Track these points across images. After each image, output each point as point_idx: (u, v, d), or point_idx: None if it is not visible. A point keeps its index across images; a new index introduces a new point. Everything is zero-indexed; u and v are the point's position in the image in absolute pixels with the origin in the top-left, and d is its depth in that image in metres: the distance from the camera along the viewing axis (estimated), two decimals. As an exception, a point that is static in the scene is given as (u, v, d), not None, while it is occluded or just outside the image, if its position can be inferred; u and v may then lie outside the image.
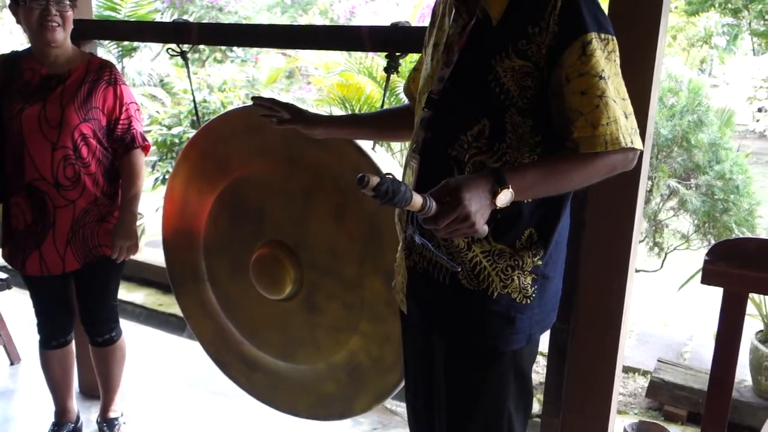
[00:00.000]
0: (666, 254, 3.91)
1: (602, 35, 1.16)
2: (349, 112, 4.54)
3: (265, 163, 2.06)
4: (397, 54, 1.81)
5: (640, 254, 3.82)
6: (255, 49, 9.31)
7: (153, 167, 5.04)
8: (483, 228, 1.11)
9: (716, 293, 1.55)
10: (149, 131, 5.26)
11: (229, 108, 2.99)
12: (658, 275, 4.04)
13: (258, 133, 2.02)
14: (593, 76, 1.14)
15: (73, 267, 2.23)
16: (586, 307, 1.68)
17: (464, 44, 1.28)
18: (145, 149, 2.31)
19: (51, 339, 2.40)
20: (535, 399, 2.93)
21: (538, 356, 1.49)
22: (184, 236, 2.34)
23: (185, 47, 2.18)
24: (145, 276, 4.92)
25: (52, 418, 2.55)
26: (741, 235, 3.46)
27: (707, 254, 1.54)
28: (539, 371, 3.30)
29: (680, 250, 3.93)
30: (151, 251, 5.13)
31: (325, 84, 5.37)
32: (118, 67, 5.42)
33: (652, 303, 4.70)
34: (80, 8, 2.25)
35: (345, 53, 4.49)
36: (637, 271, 3.67)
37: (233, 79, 6.19)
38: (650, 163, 3.44)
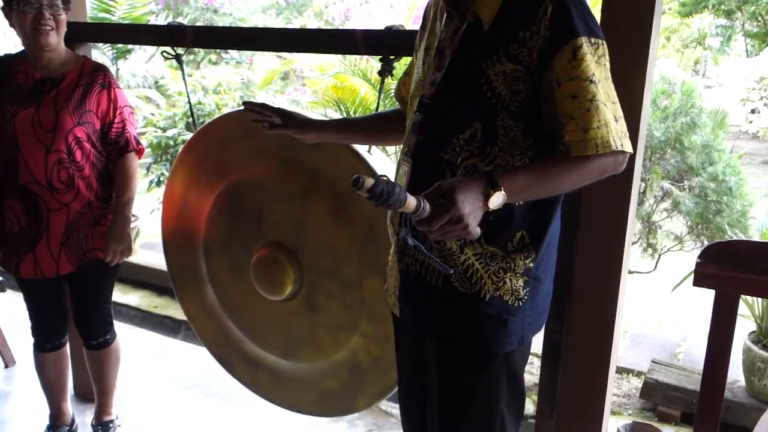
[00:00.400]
0: (659, 255, 3.92)
1: (592, 39, 1.18)
2: (344, 115, 4.54)
3: (262, 165, 2.07)
4: (391, 57, 1.82)
5: (633, 255, 3.84)
6: (250, 51, 9.31)
7: (148, 169, 5.03)
8: (476, 230, 1.12)
9: (709, 294, 1.56)
10: (144, 133, 5.25)
11: (225, 110, 2.99)
12: (651, 276, 4.05)
13: (255, 136, 2.02)
14: (584, 80, 1.16)
15: (67, 270, 2.23)
16: (580, 309, 1.69)
17: (456, 48, 1.29)
18: (139, 152, 2.32)
19: (45, 342, 2.40)
20: (529, 400, 2.94)
21: (532, 357, 1.50)
22: (184, 238, 2.35)
23: (180, 50, 2.18)
24: (140, 278, 4.90)
25: (46, 421, 2.54)
26: (734, 237, 3.48)
27: (699, 256, 1.55)
28: (534, 372, 3.30)
29: (674, 252, 3.95)
30: (146, 253, 5.12)
31: (320, 86, 5.37)
32: (113, 69, 5.43)
33: (645, 304, 4.72)
34: (74, 10, 2.25)
35: (340, 55, 4.49)
36: (630, 272, 3.68)
37: (228, 81, 6.18)
38: (644, 164, 3.46)
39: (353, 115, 4.41)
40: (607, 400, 1.73)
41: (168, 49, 2.19)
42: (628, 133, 1.21)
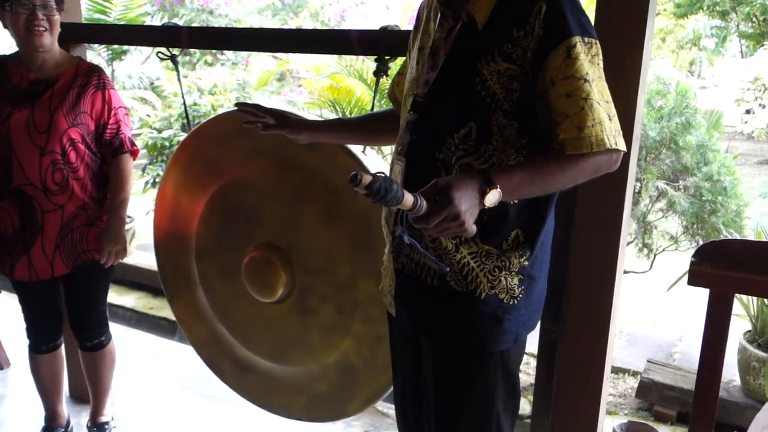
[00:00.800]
0: (655, 255, 3.93)
1: (586, 39, 1.18)
2: (339, 115, 4.54)
3: (256, 165, 2.07)
4: (387, 57, 1.82)
5: (629, 255, 3.85)
6: (245, 52, 9.31)
7: (143, 170, 5.03)
8: (472, 228, 1.12)
9: (705, 294, 1.57)
10: (139, 134, 5.25)
11: (220, 111, 2.99)
12: (647, 276, 4.06)
13: (249, 136, 2.01)
14: (578, 78, 1.16)
15: (62, 271, 2.23)
16: (575, 308, 1.69)
17: (450, 48, 1.29)
18: (134, 154, 2.31)
19: (40, 343, 2.39)
20: (525, 400, 2.94)
21: (528, 358, 1.50)
22: (176, 240, 2.33)
23: (175, 51, 2.18)
24: (135, 279, 4.90)
25: (42, 423, 2.54)
26: (729, 236, 3.49)
27: (693, 255, 1.55)
28: (530, 372, 3.31)
29: (669, 251, 3.95)
30: (141, 254, 5.11)
31: (315, 87, 5.37)
32: (108, 70, 5.42)
33: (641, 304, 4.73)
34: (69, 11, 2.24)
35: (336, 56, 4.49)
36: (626, 272, 3.68)
37: (224, 82, 6.17)
38: (639, 164, 3.47)
39: (349, 116, 4.41)
40: (603, 400, 1.73)
41: (163, 50, 2.18)
42: (621, 132, 1.22)
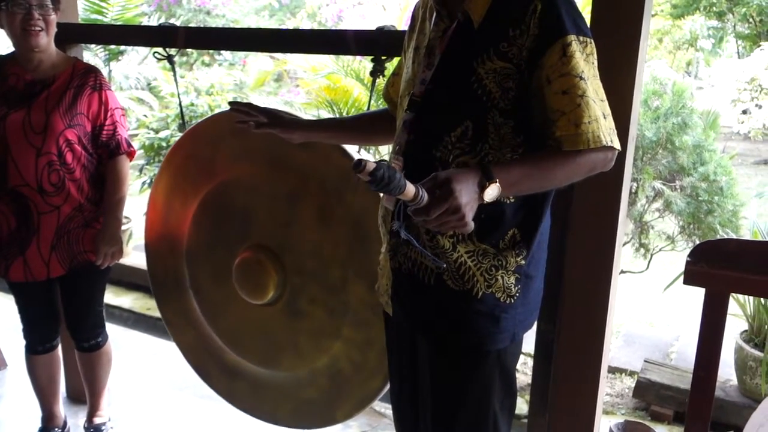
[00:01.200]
0: (652, 255, 3.93)
1: (581, 38, 1.19)
2: (336, 115, 4.54)
3: (250, 165, 2.06)
4: (383, 57, 1.82)
5: (626, 255, 3.84)
6: (243, 53, 9.30)
7: (140, 171, 5.02)
8: (471, 223, 1.11)
9: (702, 294, 1.57)
10: (137, 135, 5.24)
11: (216, 111, 2.99)
12: (644, 276, 4.06)
13: (243, 136, 2.00)
14: (574, 76, 1.17)
15: (58, 273, 2.22)
16: (571, 308, 1.69)
17: (446, 47, 1.30)
18: (130, 155, 2.31)
19: (37, 344, 2.39)
20: (522, 400, 2.94)
21: (526, 358, 1.50)
22: (167, 241, 2.33)
23: (172, 51, 2.18)
24: (132, 280, 4.88)
25: (39, 424, 2.53)
26: (725, 236, 3.49)
27: (689, 255, 1.56)
28: (527, 372, 3.31)
29: (666, 251, 3.96)
30: (138, 255, 5.09)
31: (313, 87, 5.37)
32: (105, 70, 5.41)
33: (638, 304, 4.73)
34: (66, 12, 2.24)
35: (333, 56, 4.49)
36: (623, 272, 3.69)
37: (221, 83, 6.16)
38: (635, 165, 3.47)
39: (344, 116, 4.41)
40: (599, 399, 1.74)
41: (160, 50, 2.18)
42: (615, 131, 1.23)
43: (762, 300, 3.25)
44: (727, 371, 3.33)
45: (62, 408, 2.59)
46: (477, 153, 1.25)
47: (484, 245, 1.30)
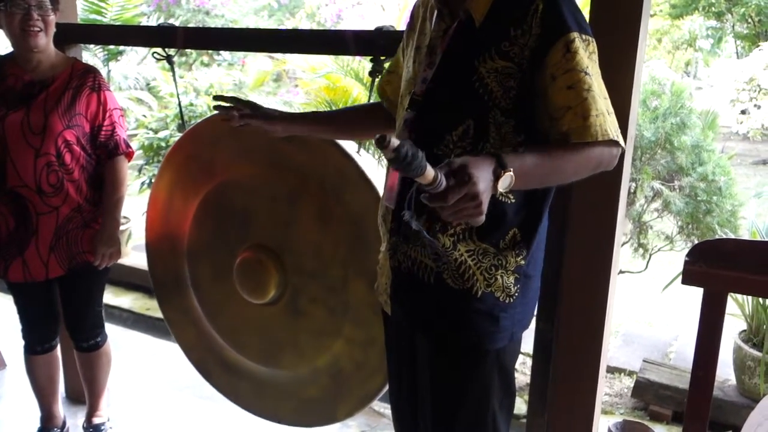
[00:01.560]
0: (650, 255, 3.93)
1: (583, 36, 1.19)
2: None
3: (249, 166, 2.06)
4: (382, 57, 1.82)
5: (625, 255, 3.85)
6: (242, 53, 9.29)
7: (139, 171, 5.01)
8: (485, 212, 1.06)
9: (700, 293, 1.57)
10: (136, 135, 5.23)
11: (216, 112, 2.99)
12: (643, 276, 4.06)
13: (242, 137, 2.02)
14: (579, 71, 1.17)
15: (57, 273, 2.22)
16: (570, 308, 1.69)
17: (447, 46, 1.30)
18: (129, 155, 2.31)
19: (36, 344, 2.39)
20: (521, 399, 2.94)
21: (525, 357, 1.50)
22: (168, 241, 2.33)
23: (171, 51, 2.18)
24: (132, 280, 4.88)
25: (38, 424, 2.53)
26: (723, 236, 3.49)
27: (687, 255, 1.56)
28: (526, 372, 3.31)
29: (664, 251, 3.96)
30: (138, 255, 5.08)
31: (312, 87, 5.37)
32: (104, 70, 5.41)
33: (637, 304, 4.74)
34: (65, 12, 2.24)
35: (332, 56, 4.49)
36: (622, 272, 3.70)
37: (220, 83, 6.18)
38: (634, 165, 3.48)
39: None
40: (598, 399, 1.74)
41: (159, 50, 2.18)
42: (619, 129, 1.23)
43: (760, 300, 3.25)
44: (725, 371, 3.33)
45: (61, 408, 2.59)
46: (478, 152, 1.25)
47: (484, 244, 1.30)
